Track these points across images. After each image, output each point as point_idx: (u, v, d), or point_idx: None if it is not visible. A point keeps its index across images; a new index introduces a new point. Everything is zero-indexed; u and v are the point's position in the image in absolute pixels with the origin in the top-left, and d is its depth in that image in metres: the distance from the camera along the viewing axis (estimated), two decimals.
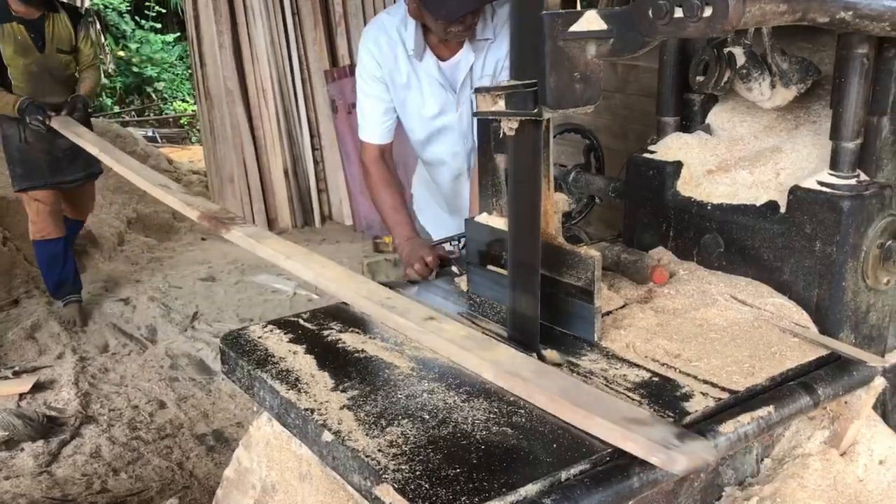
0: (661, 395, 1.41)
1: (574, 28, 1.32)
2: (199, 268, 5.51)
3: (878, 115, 1.66)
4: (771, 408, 1.39)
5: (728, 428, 1.33)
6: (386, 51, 2.52)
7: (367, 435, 1.28)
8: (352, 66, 5.97)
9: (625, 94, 3.75)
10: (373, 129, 2.64)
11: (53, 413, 3.51)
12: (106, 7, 12.71)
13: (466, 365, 1.48)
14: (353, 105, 5.91)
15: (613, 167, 2.52)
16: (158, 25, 13.55)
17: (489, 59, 2.52)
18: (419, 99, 2.59)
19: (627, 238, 2.08)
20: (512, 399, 1.39)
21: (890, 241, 1.67)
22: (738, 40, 1.77)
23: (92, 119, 4.78)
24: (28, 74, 4.12)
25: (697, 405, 1.37)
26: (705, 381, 1.44)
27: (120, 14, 13.01)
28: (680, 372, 1.48)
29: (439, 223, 2.85)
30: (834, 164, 1.67)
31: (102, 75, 11.36)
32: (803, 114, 1.90)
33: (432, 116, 2.62)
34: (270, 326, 1.72)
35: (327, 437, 1.30)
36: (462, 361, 1.50)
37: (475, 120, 2.50)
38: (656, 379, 1.46)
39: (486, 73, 2.55)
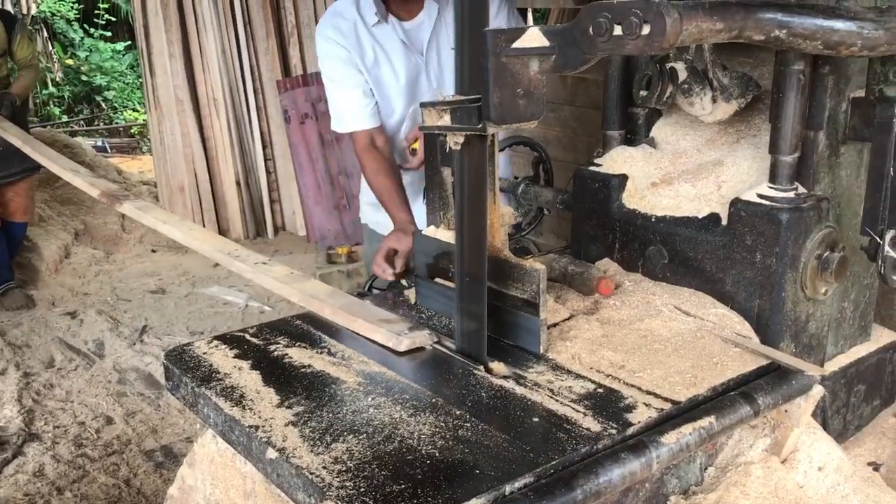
0: (606, 406, 1.42)
1: (517, 45, 1.33)
2: (149, 280, 5.43)
3: (814, 130, 1.70)
4: (712, 418, 1.41)
5: (670, 438, 1.35)
6: (346, 31, 2.49)
7: (311, 451, 1.27)
8: (304, 76, 5.94)
9: (574, 106, 3.79)
10: (355, 117, 2.57)
11: None
12: (54, 15, 12.48)
13: (283, 294, 1.91)
14: (306, 115, 5.89)
15: (564, 178, 2.55)
16: (108, 34, 13.33)
17: (451, 15, 2.49)
18: (390, 71, 2.55)
19: (575, 250, 2.10)
20: (458, 413, 1.39)
21: (827, 253, 1.71)
22: (680, 56, 1.80)
23: (39, 128, 4.95)
24: None
25: (641, 416, 1.39)
26: (649, 392, 1.46)
27: (68, 22, 12.77)
28: (624, 383, 1.50)
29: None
30: (773, 178, 1.71)
31: (46, 77, 11.20)
32: (744, 127, 1.95)
33: (407, 85, 2.57)
34: (216, 342, 1.70)
35: (271, 454, 1.29)
36: (280, 292, 1.91)
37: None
38: (601, 390, 1.47)
39: (451, 33, 2.50)
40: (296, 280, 1.93)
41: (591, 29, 1.26)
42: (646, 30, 1.21)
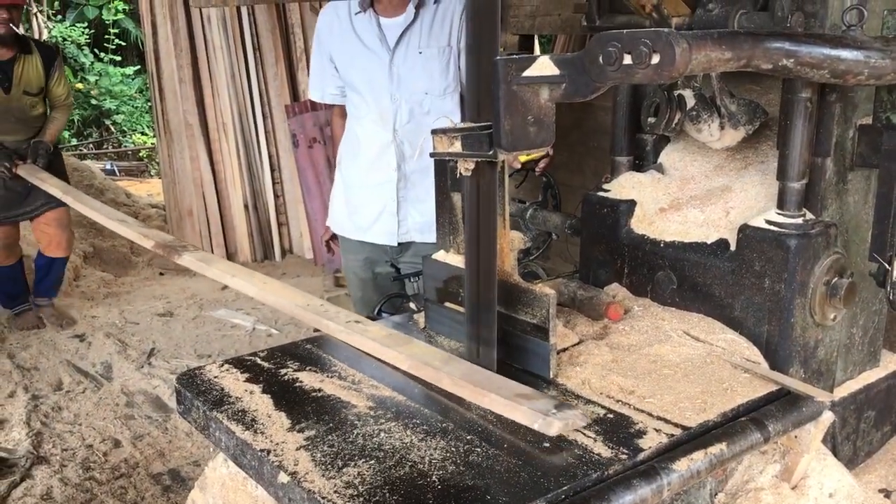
0: (616, 431, 1.42)
1: (527, 73, 1.35)
2: (157, 303, 5.44)
3: (822, 157, 1.72)
4: (722, 444, 1.41)
5: (681, 464, 1.35)
6: (342, 14, 2.72)
7: (323, 476, 1.28)
8: (312, 101, 5.98)
9: (581, 131, 3.82)
10: (329, 91, 2.87)
11: (3, 454, 3.41)
12: (65, 40, 12.62)
13: (387, 358, 1.65)
14: (314, 139, 5.92)
15: (572, 202, 2.57)
16: (118, 58, 13.47)
17: (438, 16, 2.66)
18: (359, 61, 2.71)
19: (584, 275, 2.11)
20: (469, 438, 1.40)
21: (835, 279, 1.72)
22: (688, 83, 1.82)
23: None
24: None
25: (651, 441, 1.39)
26: (659, 418, 1.47)
27: (79, 46, 12.92)
28: (634, 408, 1.50)
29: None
30: (781, 204, 1.72)
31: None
32: (752, 154, 1.96)
33: (372, 77, 2.71)
34: (227, 366, 1.71)
35: (283, 478, 1.30)
36: (383, 356, 1.66)
37: (400, 108, 2.69)
38: (611, 416, 1.48)
39: (433, 32, 2.66)
40: (399, 342, 1.68)
41: (601, 58, 1.27)
42: (655, 59, 1.23)
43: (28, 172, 4.10)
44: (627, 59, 1.25)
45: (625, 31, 1.26)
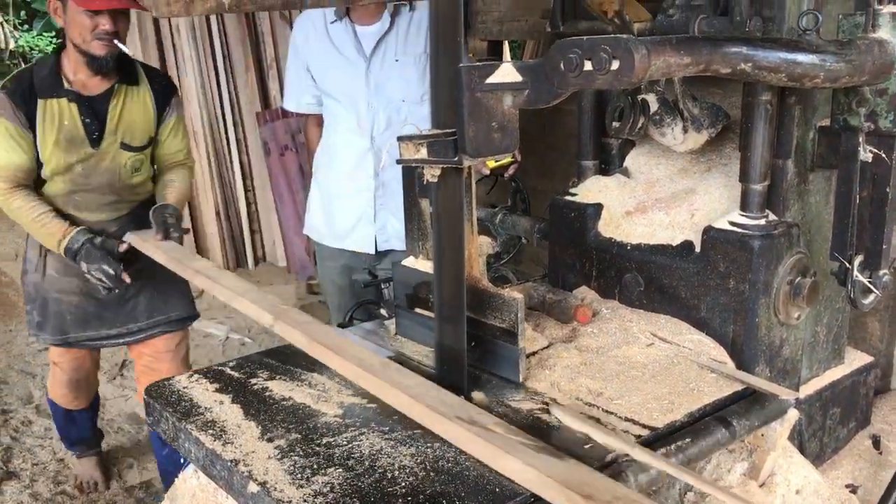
0: None
1: (491, 80, 1.36)
2: None
3: (783, 158, 1.74)
4: (689, 443, 1.43)
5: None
6: (317, 23, 2.73)
7: (292, 485, 1.28)
8: (284, 109, 5.97)
9: (552, 136, 3.85)
10: (304, 100, 2.89)
11: None
12: (32, 49, 12.48)
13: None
14: (286, 147, 5.91)
15: (543, 206, 2.58)
16: None
17: (413, 24, 2.68)
18: (336, 68, 2.73)
19: (552, 278, 2.13)
20: (438, 444, 1.40)
21: (799, 278, 1.74)
22: (651, 87, 1.84)
23: None
24: (68, 178, 2.53)
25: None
26: (627, 419, 1.48)
27: (47, 56, 12.77)
28: (603, 410, 1.52)
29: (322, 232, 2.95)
30: (744, 206, 1.74)
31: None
32: (716, 156, 1.99)
33: (348, 85, 2.73)
34: (196, 376, 1.70)
35: (253, 488, 1.29)
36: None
37: (378, 116, 2.71)
38: None
39: (409, 39, 2.67)
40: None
41: (562, 64, 1.29)
42: (615, 65, 1.24)
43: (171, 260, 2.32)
44: (588, 66, 1.27)
45: (585, 37, 1.28)
